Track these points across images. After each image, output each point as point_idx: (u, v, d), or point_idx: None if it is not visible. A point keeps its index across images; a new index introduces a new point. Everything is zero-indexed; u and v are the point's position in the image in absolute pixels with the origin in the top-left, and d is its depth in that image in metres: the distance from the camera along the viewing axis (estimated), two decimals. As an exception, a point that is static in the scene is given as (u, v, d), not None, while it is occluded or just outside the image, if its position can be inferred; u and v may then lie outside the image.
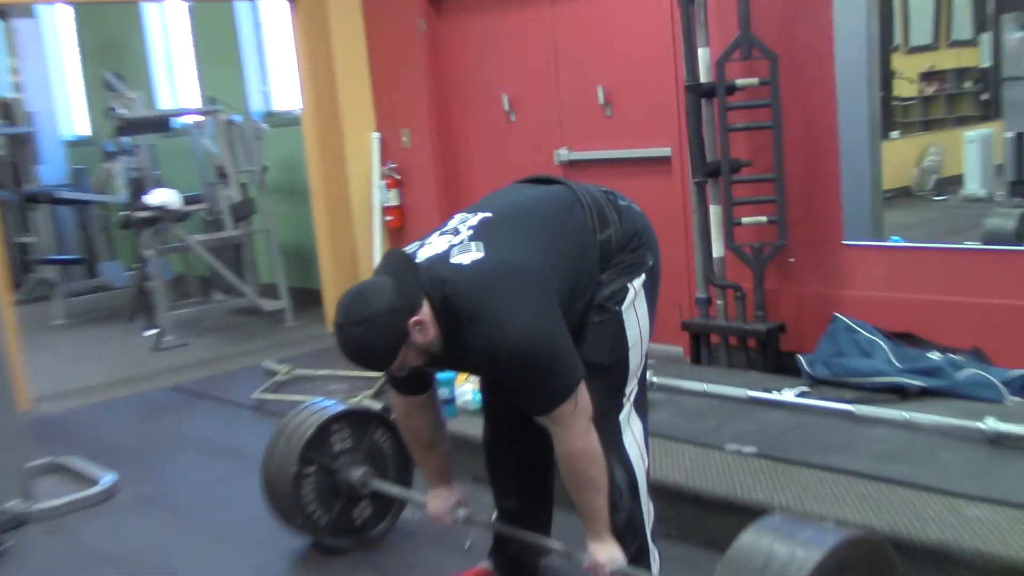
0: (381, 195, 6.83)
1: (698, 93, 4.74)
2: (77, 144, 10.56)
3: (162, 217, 7.12)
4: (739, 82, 4.65)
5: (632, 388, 2.79)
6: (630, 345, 2.73)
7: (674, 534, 3.35)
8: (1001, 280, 4.22)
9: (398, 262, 2.57)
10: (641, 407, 2.85)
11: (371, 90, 6.88)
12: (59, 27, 10.70)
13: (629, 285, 2.73)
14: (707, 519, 3.31)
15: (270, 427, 3.71)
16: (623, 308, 2.71)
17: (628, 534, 2.75)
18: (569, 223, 2.69)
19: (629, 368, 2.75)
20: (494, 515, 3.12)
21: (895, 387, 4.01)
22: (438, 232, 2.68)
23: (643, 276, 2.76)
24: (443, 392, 4.09)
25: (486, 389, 3.08)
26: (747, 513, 3.04)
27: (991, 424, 3.44)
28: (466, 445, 3.67)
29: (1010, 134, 5.00)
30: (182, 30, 8.97)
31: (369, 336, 2.45)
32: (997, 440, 3.42)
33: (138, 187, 7.63)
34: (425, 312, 2.49)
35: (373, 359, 2.53)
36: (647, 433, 2.88)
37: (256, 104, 8.30)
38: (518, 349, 2.44)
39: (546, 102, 5.91)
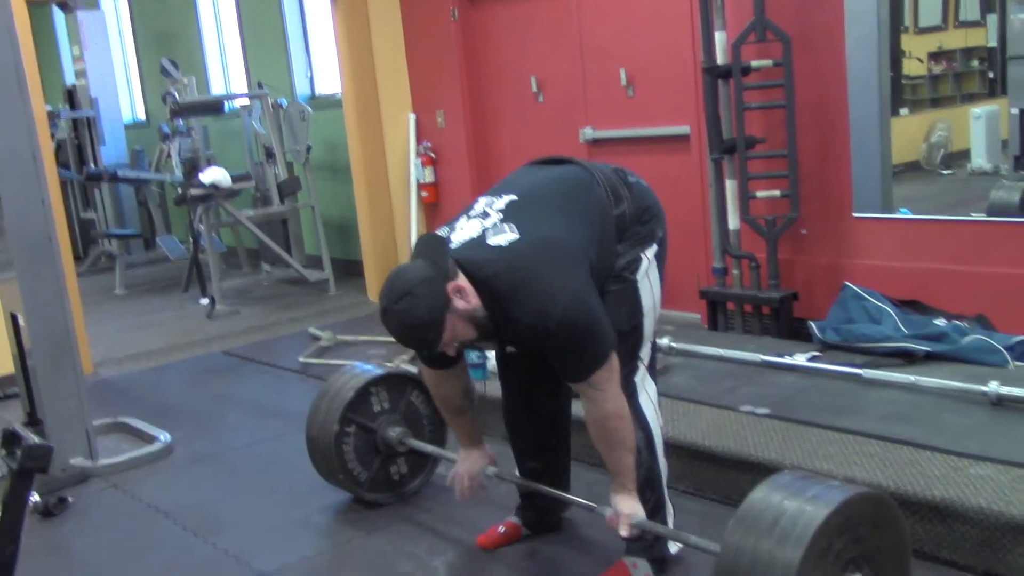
0: (417, 172, 6.81)
1: (715, 74, 4.68)
2: (135, 126, 10.62)
3: (214, 194, 7.16)
4: (754, 63, 4.59)
5: (646, 352, 2.78)
6: (645, 311, 2.72)
7: (691, 490, 3.36)
8: (1005, 250, 4.15)
9: (425, 242, 2.54)
10: (653, 370, 2.84)
11: (408, 74, 6.85)
12: (119, 18, 10.74)
13: (642, 255, 2.71)
14: (722, 476, 3.30)
15: (314, 389, 3.73)
16: (638, 277, 2.70)
17: (647, 488, 2.74)
18: (590, 200, 2.66)
19: (644, 333, 2.74)
20: (516, 473, 3.12)
21: (902, 352, 3.96)
22: (465, 216, 2.63)
23: (655, 247, 2.75)
24: (473, 356, 4.08)
25: (502, 364, 3.05)
26: (759, 470, 3.04)
27: (994, 387, 3.39)
28: (497, 407, 3.64)
29: (1015, 110, 4.90)
30: (232, 19, 8.96)
31: (412, 307, 2.39)
32: (1000, 402, 3.38)
33: (192, 166, 7.68)
34: (463, 280, 2.45)
35: (422, 330, 2.43)
36: (659, 394, 2.87)
37: (301, 88, 8.30)
38: (565, 320, 2.41)
39: (572, 84, 5.86)
